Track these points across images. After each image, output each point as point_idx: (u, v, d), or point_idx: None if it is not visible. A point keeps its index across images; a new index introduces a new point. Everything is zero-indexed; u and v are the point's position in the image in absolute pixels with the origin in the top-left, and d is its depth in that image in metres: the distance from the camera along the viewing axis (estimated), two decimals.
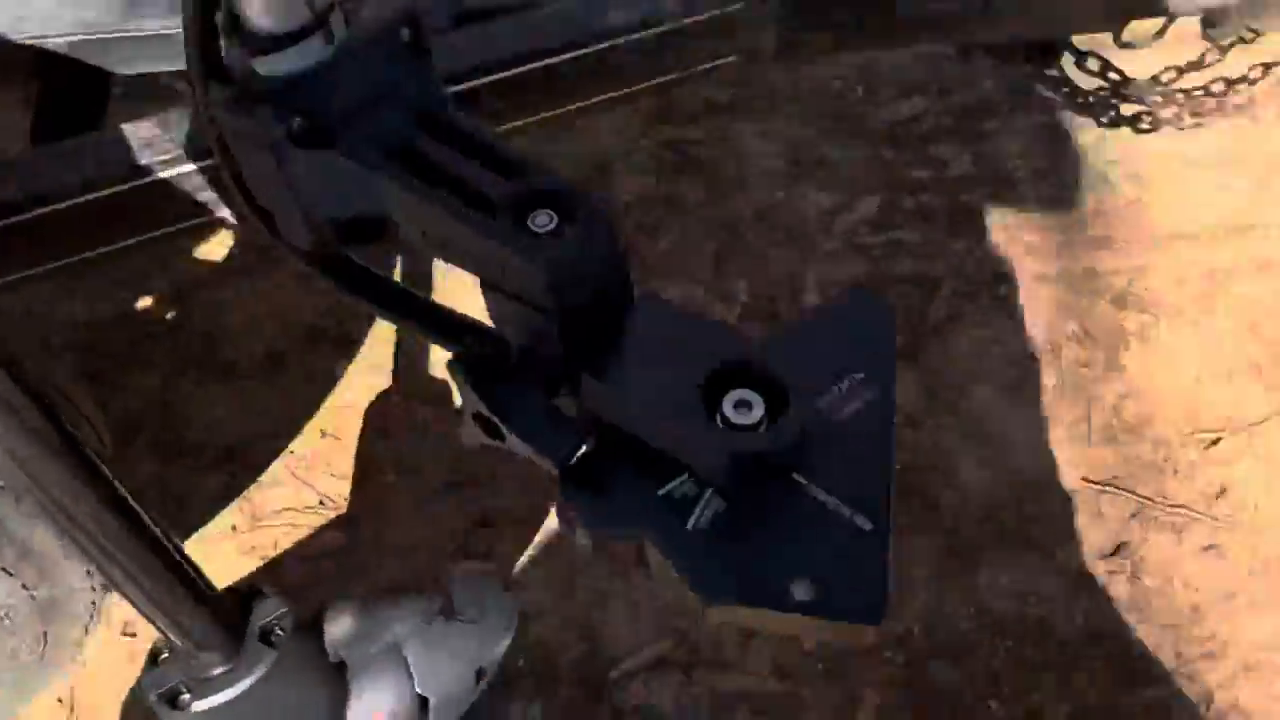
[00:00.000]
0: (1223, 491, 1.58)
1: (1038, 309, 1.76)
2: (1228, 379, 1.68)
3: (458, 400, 0.62)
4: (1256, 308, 1.75)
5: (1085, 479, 1.60)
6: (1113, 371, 1.69)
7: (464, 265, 0.62)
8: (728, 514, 0.57)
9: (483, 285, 0.62)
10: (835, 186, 1.91)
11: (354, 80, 0.63)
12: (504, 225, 0.59)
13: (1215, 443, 1.62)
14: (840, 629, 0.55)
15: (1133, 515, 1.57)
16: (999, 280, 1.79)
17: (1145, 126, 1.67)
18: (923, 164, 1.95)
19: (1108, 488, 1.59)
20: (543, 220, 0.59)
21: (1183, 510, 1.56)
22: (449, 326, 0.69)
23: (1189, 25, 1.51)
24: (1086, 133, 1.96)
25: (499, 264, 0.58)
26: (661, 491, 0.57)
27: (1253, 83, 1.64)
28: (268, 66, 0.63)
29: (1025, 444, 1.62)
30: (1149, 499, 1.57)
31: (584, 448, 0.59)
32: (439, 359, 1.69)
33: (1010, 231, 1.84)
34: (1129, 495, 1.58)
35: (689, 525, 0.56)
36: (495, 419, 0.59)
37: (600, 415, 0.59)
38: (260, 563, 1.52)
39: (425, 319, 0.69)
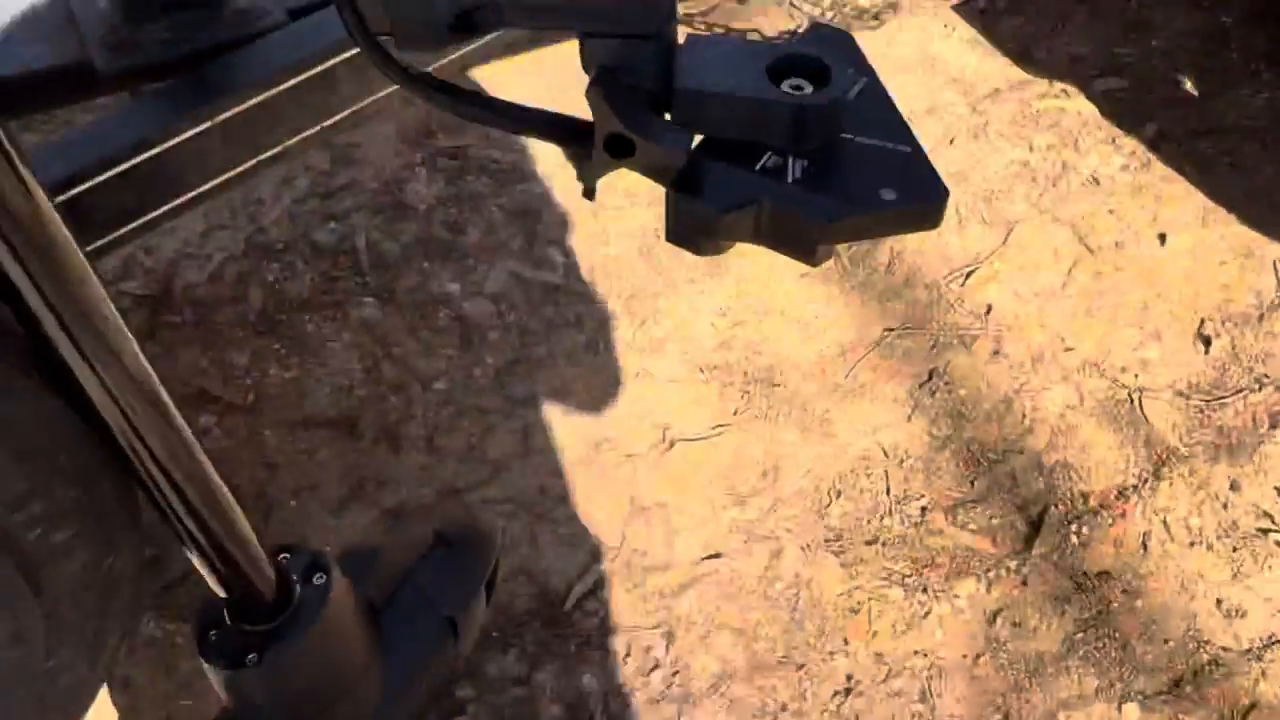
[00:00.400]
0: (989, 309, 1.92)
1: None
2: (961, 228, 2.03)
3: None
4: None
5: (887, 329, 1.89)
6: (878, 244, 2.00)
7: (568, 23, 0.76)
8: (810, 168, 0.75)
9: (584, 39, 0.76)
10: None
11: None
12: None
13: (969, 275, 1.97)
14: (918, 216, 0.75)
15: (931, 346, 1.87)
16: None
17: None
18: None
19: (905, 330, 1.89)
20: None
21: (965, 332, 1.89)
22: (562, 124, 0.82)
23: None
24: None
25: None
26: (757, 167, 0.75)
27: None
28: None
29: (827, 317, 1.89)
30: (938, 331, 1.89)
31: (694, 143, 0.76)
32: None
33: None
34: (922, 332, 1.89)
35: (788, 180, 0.75)
36: (629, 132, 0.74)
37: (693, 126, 0.76)
38: None
39: (537, 121, 0.83)
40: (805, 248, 0.76)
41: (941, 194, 0.76)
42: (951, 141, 2.19)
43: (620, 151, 0.76)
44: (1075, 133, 2.21)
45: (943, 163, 2.13)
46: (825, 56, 0.77)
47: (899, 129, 0.80)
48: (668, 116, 0.78)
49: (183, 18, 1.13)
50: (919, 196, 0.76)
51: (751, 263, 1.97)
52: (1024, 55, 2.34)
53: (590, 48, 0.75)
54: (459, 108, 0.82)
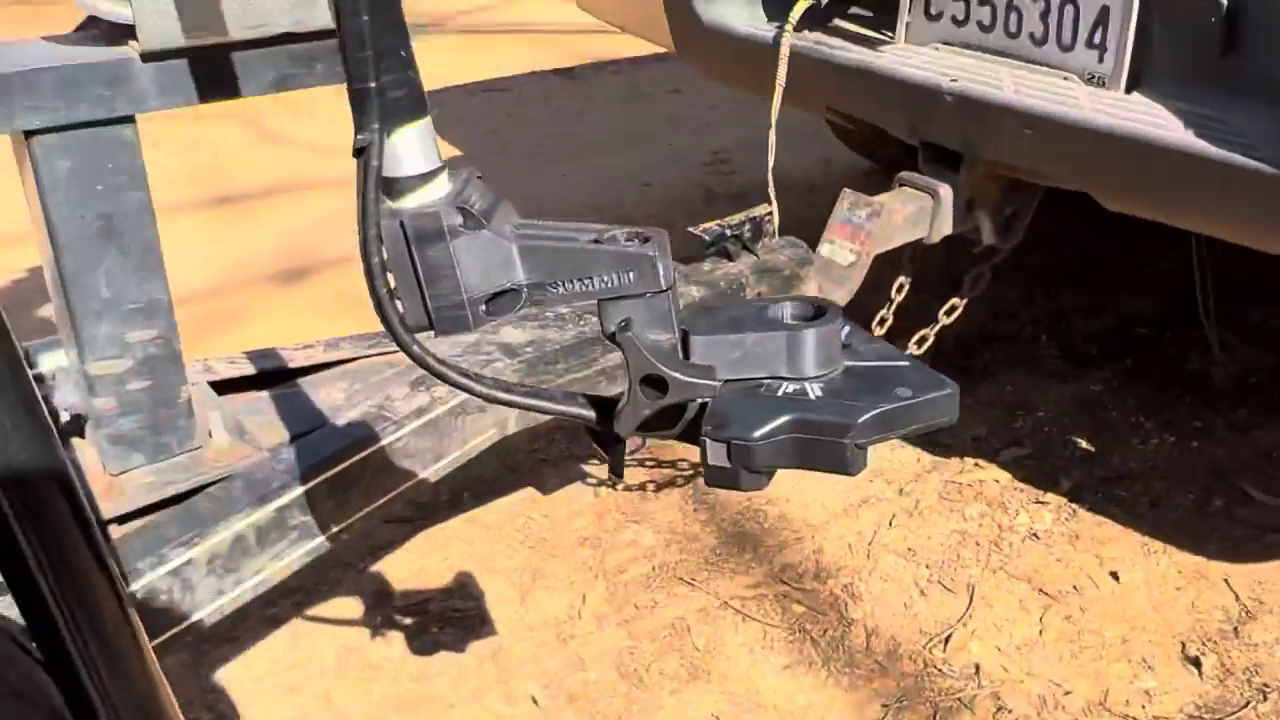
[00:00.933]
0: (977, 668, 1.89)
1: None
2: (924, 596, 2.05)
3: None
4: None
5: (884, 705, 1.83)
6: None
7: (588, 296, 0.81)
8: (827, 388, 0.79)
9: (602, 303, 0.82)
10: None
11: None
12: None
13: (948, 639, 1.95)
14: (933, 407, 0.78)
15: (934, 714, 1.81)
16: None
17: None
18: None
19: (902, 704, 1.83)
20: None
21: (961, 694, 1.84)
22: (584, 402, 0.84)
23: None
24: None
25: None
26: (780, 394, 0.78)
27: None
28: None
29: (821, 703, 1.83)
30: (935, 698, 1.83)
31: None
32: None
33: None
34: (920, 700, 1.83)
35: (812, 398, 0.77)
36: (662, 368, 0.76)
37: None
38: None
39: (563, 402, 0.83)
40: (837, 456, 0.79)
41: (952, 385, 0.81)
42: (891, 523, 2.27)
43: (656, 387, 0.80)
44: (1000, 498, 2.33)
45: (888, 541, 2.21)
46: (813, 303, 0.86)
47: (893, 353, 0.87)
48: None
49: None
50: (932, 388, 0.81)
51: (730, 661, 1.93)
52: (930, 442, 2.51)
53: (607, 309, 0.82)
54: (488, 394, 0.86)
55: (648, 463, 2.44)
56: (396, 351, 1.63)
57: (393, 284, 0.82)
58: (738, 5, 2.41)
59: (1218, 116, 1.76)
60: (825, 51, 2.22)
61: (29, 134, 1.11)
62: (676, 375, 0.80)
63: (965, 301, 2.22)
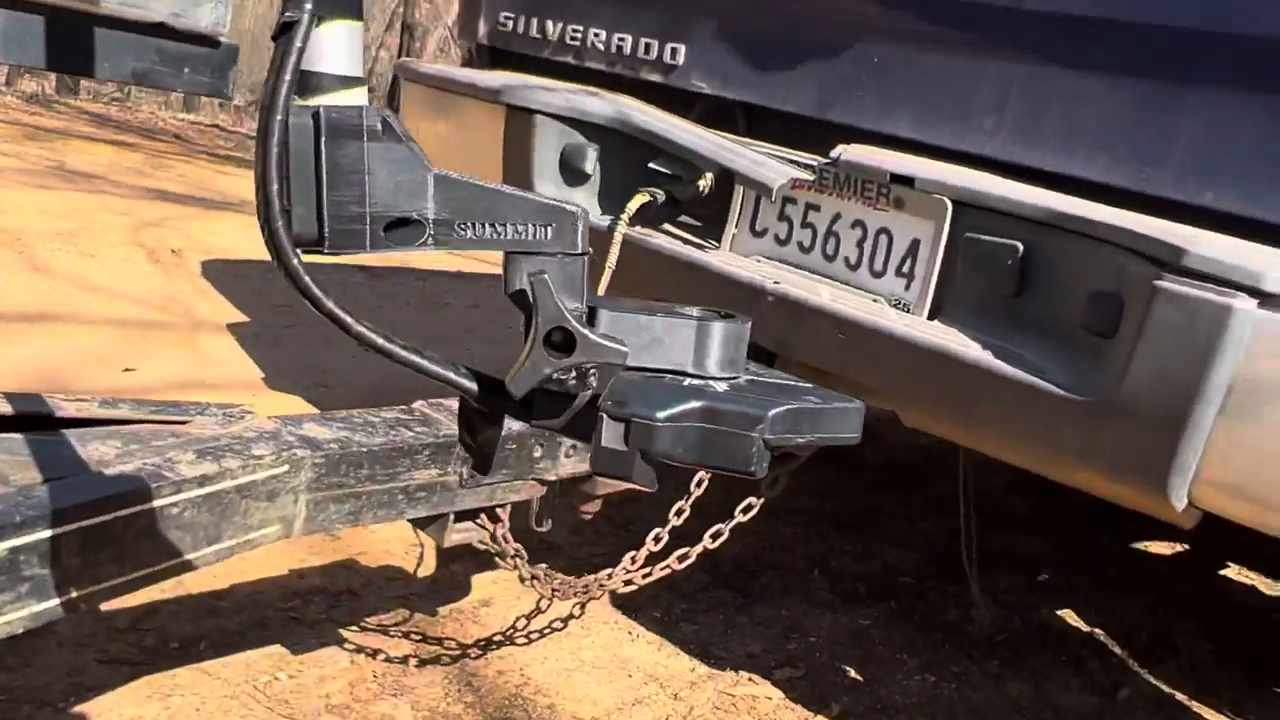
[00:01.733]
0: None
1: None
2: None
3: None
4: None
5: None
6: None
7: (495, 244, 0.72)
8: (732, 389, 0.77)
9: (510, 256, 0.73)
10: None
11: None
12: None
13: None
14: (840, 417, 0.76)
15: None
16: None
17: None
18: None
19: None
20: None
21: None
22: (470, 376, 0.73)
23: None
24: None
25: None
26: (686, 383, 0.75)
27: None
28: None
29: None
30: None
31: None
32: None
33: None
34: None
35: (720, 391, 0.72)
36: (573, 326, 0.73)
37: None
38: None
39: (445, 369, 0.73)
40: (742, 452, 0.72)
41: (858, 402, 0.78)
42: None
43: (561, 346, 0.72)
44: (772, 715, 2.27)
45: None
46: (721, 310, 0.83)
47: (793, 378, 0.84)
48: None
49: None
50: (839, 400, 0.78)
51: None
52: (705, 654, 2.45)
53: (517, 262, 0.75)
54: (364, 335, 0.76)
55: (413, 635, 2.25)
56: (185, 421, 1.47)
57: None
58: (576, 194, 2.49)
59: (1009, 348, 1.92)
60: (656, 244, 2.31)
61: None
62: (585, 333, 0.74)
63: (761, 501, 2.24)
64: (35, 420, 1.32)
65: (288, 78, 0.72)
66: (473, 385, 0.80)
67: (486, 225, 0.76)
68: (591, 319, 0.77)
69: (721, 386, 0.76)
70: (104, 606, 2.07)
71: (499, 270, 0.78)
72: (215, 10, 1.08)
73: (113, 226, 5.15)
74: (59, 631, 1.99)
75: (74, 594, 1.15)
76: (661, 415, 0.72)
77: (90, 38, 1.06)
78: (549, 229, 0.76)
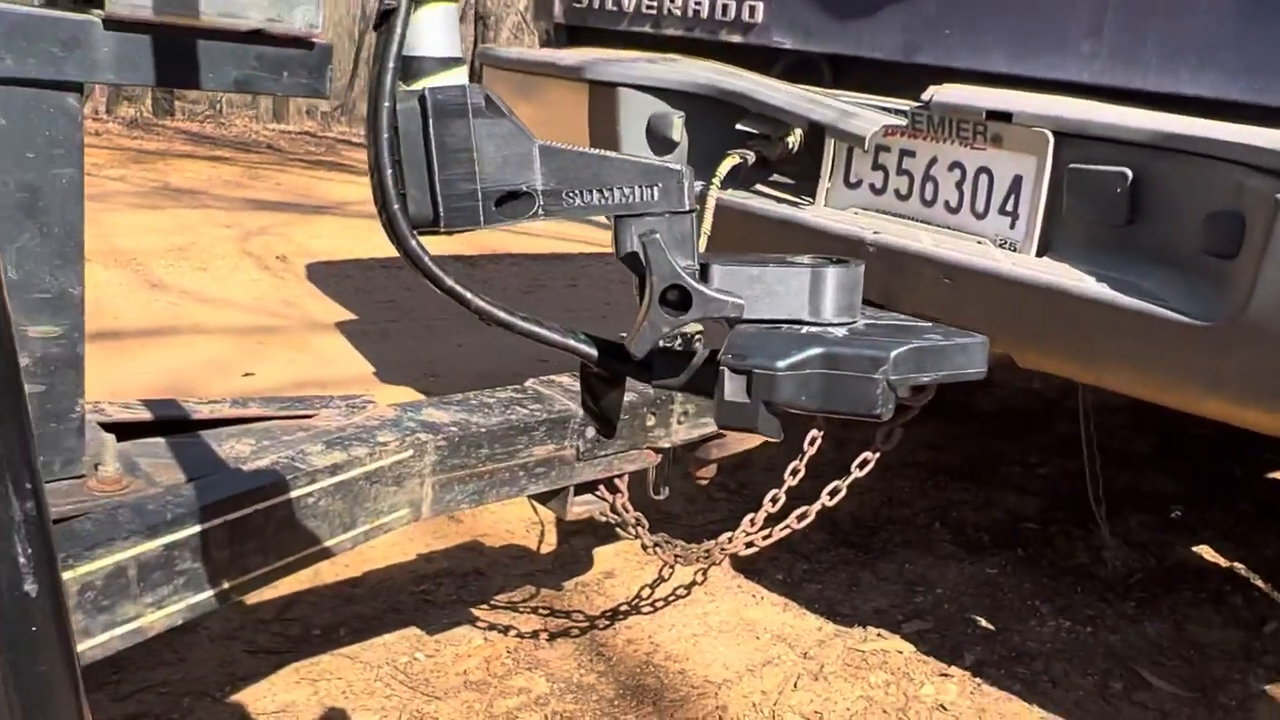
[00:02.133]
0: None
1: None
2: None
3: None
4: None
5: None
6: None
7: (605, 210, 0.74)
8: (851, 333, 0.78)
9: (619, 219, 0.75)
10: None
11: None
12: None
13: None
14: (964, 353, 0.78)
15: None
16: None
17: None
18: None
19: None
20: None
21: None
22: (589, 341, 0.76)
23: None
24: None
25: None
26: (804, 331, 0.76)
27: None
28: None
29: None
30: None
31: None
32: None
33: None
34: None
35: (838, 336, 0.75)
36: (688, 283, 0.75)
37: None
38: None
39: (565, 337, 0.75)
40: (866, 395, 0.72)
41: (981, 336, 0.77)
42: (795, 685, 2.16)
43: (678, 304, 0.73)
44: (905, 668, 2.25)
45: (794, 703, 2.09)
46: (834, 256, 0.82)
47: (911, 318, 0.83)
48: None
49: None
50: (961, 336, 0.77)
51: None
52: (831, 612, 2.44)
53: (627, 225, 0.76)
54: (484, 309, 0.78)
55: (541, 610, 2.29)
56: (312, 415, 1.52)
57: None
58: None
59: (1124, 279, 1.85)
60: (749, 205, 2.29)
61: None
62: (700, 288, 0.75)
63: (877, 456, 2.22)
64: (174, 424, 1.38)
65: (391, 65, 0.74)
66: (593, 350, 0.82)
67: (594, 191, 0.77)
68: (704, 275, 0.78)
69: (840, 332, 0.76)
70: (249, 600, 2.16)
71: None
72: (307, 12, 1.11)
73: (220, 239, 5.33)
74: (209, 627, 2.09)
75: (225, 585, 1.20)
76: (782, 365, 0.72)
77: (194, 50, 1.10)
78: (655, 189, 0.76)
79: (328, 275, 4.82)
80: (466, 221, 0.78)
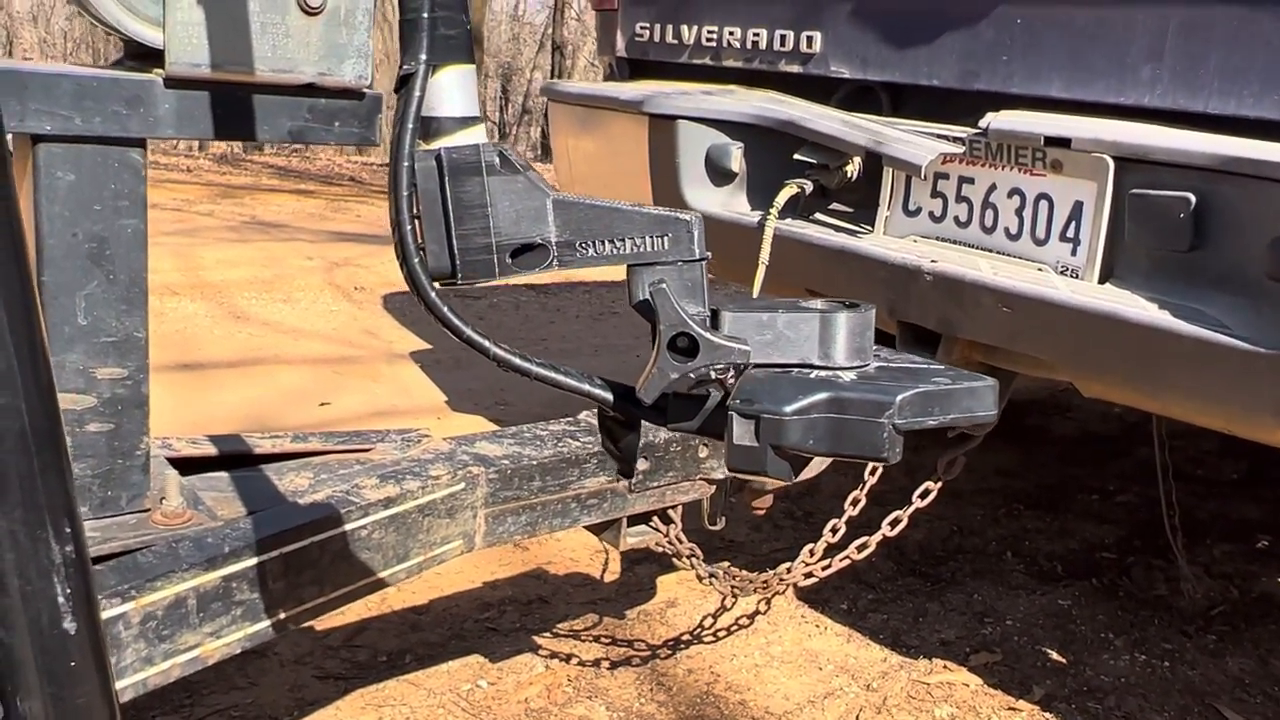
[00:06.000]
0: None
1: None
2: None
3: None
4: None
5: None
6: None
7: (618, 260, 0.77)
8: (859, 378, 0.79)
9: (632, 268, 0.77)
10: None
11: None
12: None
13: None
14: (970, 396, 0.77)
15: None
16: None
17: None
18: None
19: None
20: None
21: None
22: (605, 386, 0.78)
23: None
24: None
25: None
26: (812, 376, 0.76)
27: None
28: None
29: None
30: None
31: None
32: None
33: None
34: None
35: (846, 381, 0.73)
36: (695, 330, 0.75)
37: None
38: None
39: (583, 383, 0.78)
40: (873, 439, 0.73)
41: (990, 379, 0.77)
42: (857, 718, 2.14)
43: (686, 351, 0.75)
44: (971, 702, 2.21)
45: None
46: (846, 300, 0.83)
47: (922, 360, 0.83)
48: None
49: None
50: (969, 379, 0.77)
51: None
52: (896, 643, 2.42)
53: (638, 274, 0.78)
54: (502, 358, 0.81)
55: (603, 639, 2.31)
56: (369, 449, 1.57)
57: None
58: (723, 193, 2.51)
59: (1188, 305, 1.81)
60: (806, 235, 2.29)
61: (36, 139, 1.09)
62: (707, 335, 0.76)
63: (939, 485, 2.19)
64: (237, 459, 1.44)
65: (410, 125, 0.77)
66: (608, 395, 0.84)
67: (606, 242, 0.80)
68: (715, 321, 0.79)
69: (849, 376, 0.77)
70: (318, 626, 2.22)
71: None
72: (357, 65, 1.15)
73: (303, 270, 5.49)
74: (280, 652, 2.15)
75: (282, 615, 1.24)
76: (789, 409, 0.73)
77: (249, 105, 1.15)
78: (665, 239, 0.78)
79: (404, 305, 4.93)
80: (482, 274, 0.81)
